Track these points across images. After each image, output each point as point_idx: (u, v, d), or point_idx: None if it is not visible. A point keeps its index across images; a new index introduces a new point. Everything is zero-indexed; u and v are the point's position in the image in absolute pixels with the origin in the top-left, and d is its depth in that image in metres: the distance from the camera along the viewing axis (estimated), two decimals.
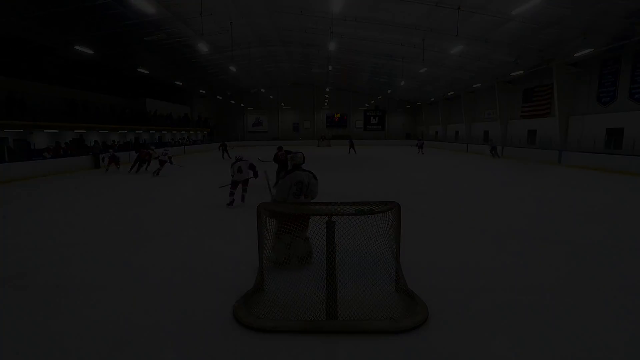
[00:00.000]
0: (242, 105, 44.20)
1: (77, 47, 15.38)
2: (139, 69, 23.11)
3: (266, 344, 2.77)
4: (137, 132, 28.14)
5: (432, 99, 37.33)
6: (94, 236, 5.70)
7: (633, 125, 15.38)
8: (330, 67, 29.82)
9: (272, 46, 25.94)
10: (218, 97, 42.29)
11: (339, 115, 44.97)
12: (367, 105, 44.30)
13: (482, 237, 5.62)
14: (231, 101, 43.06)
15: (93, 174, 14.58)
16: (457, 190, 10.02)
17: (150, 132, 29.91)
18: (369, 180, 12.24)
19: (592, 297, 3.54)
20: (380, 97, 42.27)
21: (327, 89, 43.17)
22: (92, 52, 16.34)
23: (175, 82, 31.20)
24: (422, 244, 5.15)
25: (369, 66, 28.97)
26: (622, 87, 16.06)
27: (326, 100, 44.38)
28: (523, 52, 18.42)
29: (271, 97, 43.55)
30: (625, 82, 15.87)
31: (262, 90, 43.00)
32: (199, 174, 14.72)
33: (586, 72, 18.08)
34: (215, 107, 43.64)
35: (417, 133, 44.64)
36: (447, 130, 36.19)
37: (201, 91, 37.91)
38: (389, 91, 38.45)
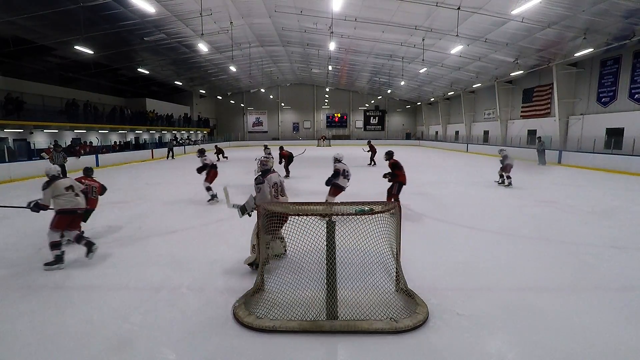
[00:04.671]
0: (242, 105, 44.23)
1: (77, 47, 15.39)
2: (139, 69, 23.11)
3: (266, 344, 2.77)
4: (137, 132, 28.15)
5: (432, 99, 37.35)
6: (93, 236, 5.69)
7: (633, 125, 15.38)
8: (330, 67, 29.82)
9: (272, 46, 25.94)
10: (218, 97, 42.31)
11: (339, 115, 44.99)
12: (367, 105, 44.30)
13: (483, 237, 5.62)
14: (231, 101, 43.10)
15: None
16: (458, 190, 10.01)
17: (150, 132, 29.92)
18: (368, 180, 12.24)
19: (592, 297, 3.54)
20: (380, 97, 42.27)
21: (327, 89, 43.19)
22: (92, 52, 16.34)
23: (175, 82, 31.20)
24: (423, 244, 5.15)
25: (369, 66, 28.98)
26: (622, 87, 16.07)
27: (326, 100, 44.39)
28: (523, 52, 18.43)
29: (271, 97, 43.58)
30: (625, 82, 15.87)
31: (262, 90, 43.03)
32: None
33: (586, 72, 18.09)
34: (215, 107, 43.67)
35: (417, 133, 44.53)
36: (447, 130, 36.19)
37: (201, 91, 37.91)
38: (389, 91, 38.45)
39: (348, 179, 6.71)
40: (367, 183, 11.52)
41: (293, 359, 2.62)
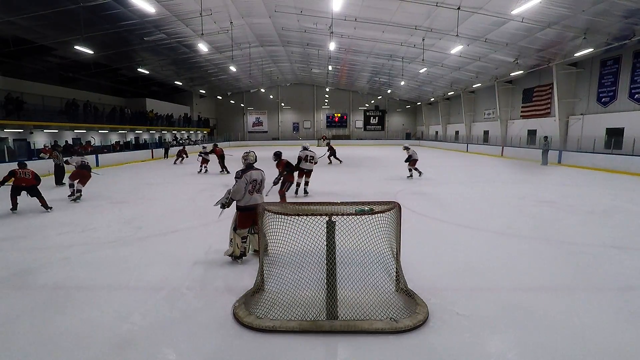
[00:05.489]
0: (242, 105, 44.23)
1: (77, 47, 15.38)
2: (139, 69, 23.11)
3: (266, 344, 2.77)
4: (137, 132, 28.15)
5: (432, 99, 37.34)
6: (93, 236, 5.70)
7: (633, 125, 15.38)
8: (330, 67, 29.81)
9: (272, 46, 25.94)
10: (218, 97, 42.30)
11: (339, 115, 44.99)
12: (367, 105, 44.30)
13: (483, 237, 5.62)
14: (231, 101, 43.10)
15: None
16: (458, 190, 10.01)
17: (150, 132, 29.92)
18: (368, 179, 12.24)
19: (592, 297, 3.54)
20: (380, 97, 42.26)
21: (327, 89, 43.18)
22: (92, 52, 16.33)
23: (175, 82, 31.20)
24: (423, 244, 5.15)
25: (369, 66, 28.98)
26: (622, 87, 16.06)
27: (326, 100, 44.38)
28: (523, 52, 18.42)
29: (271, 97, 43.58)
30: (625, 82, 15.86)
31: (262, 90, 43.03)
32: (198, 173, 14.70)
33: (586, 72, 18.09)
34: (215, 107, 43.67)
35: (417, 133, 44.54)
36: (447, 130, 36.17)
37: (201, 91, 37.90)
38: (389, 91, 38.44)
39: (310, 161, 8.62)
40: (367, 183, 11.53)
41: (293, 359, 2.62)
